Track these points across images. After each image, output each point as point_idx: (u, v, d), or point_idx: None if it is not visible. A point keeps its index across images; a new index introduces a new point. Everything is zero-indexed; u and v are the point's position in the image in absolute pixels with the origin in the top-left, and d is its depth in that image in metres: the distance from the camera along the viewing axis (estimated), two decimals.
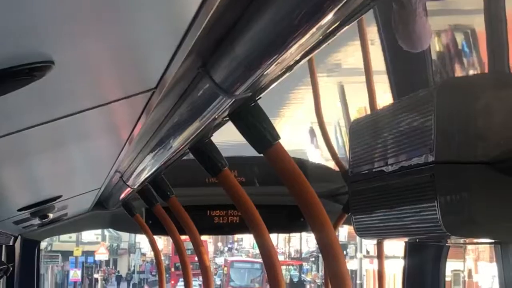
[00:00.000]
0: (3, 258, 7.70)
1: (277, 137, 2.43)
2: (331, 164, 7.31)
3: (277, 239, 64.78)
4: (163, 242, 53.43)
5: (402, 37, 4.04)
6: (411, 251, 6.87)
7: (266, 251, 3.09)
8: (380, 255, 6.35)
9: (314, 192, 2.42)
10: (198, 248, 5.00)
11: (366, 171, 5.57)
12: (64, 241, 48.42)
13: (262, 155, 2.50)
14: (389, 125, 5.19)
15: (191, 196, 5.82)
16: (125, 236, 63.80)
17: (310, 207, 2.38)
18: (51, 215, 5.16)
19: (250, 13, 1.68)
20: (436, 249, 6.81)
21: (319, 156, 7.28)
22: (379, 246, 6.32)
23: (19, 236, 7.96)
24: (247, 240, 76.39)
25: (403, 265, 6.91)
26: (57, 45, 1.37)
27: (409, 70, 6.34)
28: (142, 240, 66.79)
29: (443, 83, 4.88)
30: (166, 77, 1.84)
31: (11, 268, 7.61)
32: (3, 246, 7.42)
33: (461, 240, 5.54)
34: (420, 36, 4.00)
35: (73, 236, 48.35)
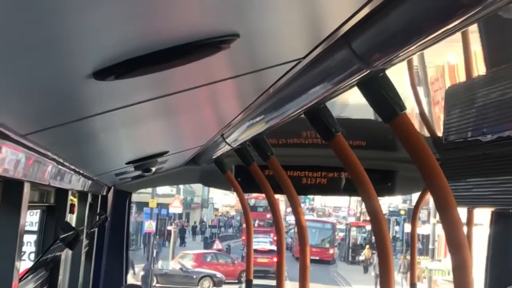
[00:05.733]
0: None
1: (403, 107, 2.51)
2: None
3: (349, 201, 64.91)
4: (236, 198, 53.89)
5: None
6: (497, 220, 6.90)
7: (375, 213, 3.19)
8: (469, 223, 6.41)
9: (437, 163, 2.50)
10: (296, 208, 5.11)
11: (461, 140, 5.60)
12: (139, 192, 48.95)
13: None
14: (487, 94, 5.20)
15: (279, 156, 5.92)
16: (198, 190, 64.63)
17: (433, 177, 2.47)
18: (153, 169, 5.35)
19: None
20: None
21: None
22: (469, 214, 6.38)
23: (112, 187, 8.22)
24: (319, 200, 76.60)
25: (488, 233, 6.94)
26: (242, 20, 1.50)
27: (504, 38, 6.28)
28: (215, 195, 67.65)
29: None
30: (315, 49, 1.95)
31: (109, 218, 7.88)
32: (99, 196, 7.68)
33: None
34: None
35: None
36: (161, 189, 51.87)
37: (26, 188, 3.20)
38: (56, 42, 1.33)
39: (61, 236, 3.69)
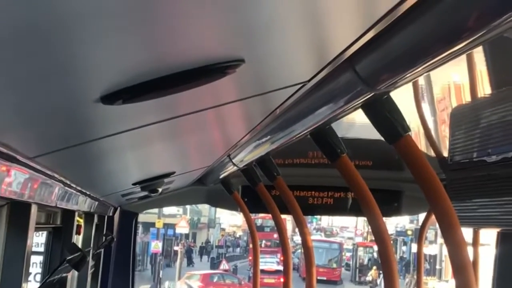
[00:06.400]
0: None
1: (407, 129, 2.54)
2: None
3: (356, 221, 64.69)
4: (242, 218, 53.71)
5: None
6: (503, 241, 6.88)
7: (380, 233, 3.21)
8: (475, 243, 6.40)
9: (441, 185, 2.52)
10: (303, 228, 5.13)
11: (467, 160, 5.60)
12: (145, 212, 48.49)
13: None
14: (492, 115, 5.21)
15: (285, 176, 5.96)
16: (205, 210, 64.55)
17: (437, 198, 2.49)
18: (159, 190, 5.37)
19: (409, 14, 1.79)
20: None
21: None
22: (475, 235, 6.37)
23: (119, 208, 8.24)
24: (326, 220, 76.36)
25: (494, 254, 6.92)
26: (247, 46, 1.53)
27: (510, 60, 6.28)
28: (222, 215, 67.51)
29: None
30: (319, 73, 1.98)
31: (115, 239, 7.89)
32: (106, 217, 7.70)
33: None
34: None
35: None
36: (168, 209, 51.76)
37: (33, 209, 3.23)
38: (65, 68, 1.36)
39: (68, 258, 3.72)
